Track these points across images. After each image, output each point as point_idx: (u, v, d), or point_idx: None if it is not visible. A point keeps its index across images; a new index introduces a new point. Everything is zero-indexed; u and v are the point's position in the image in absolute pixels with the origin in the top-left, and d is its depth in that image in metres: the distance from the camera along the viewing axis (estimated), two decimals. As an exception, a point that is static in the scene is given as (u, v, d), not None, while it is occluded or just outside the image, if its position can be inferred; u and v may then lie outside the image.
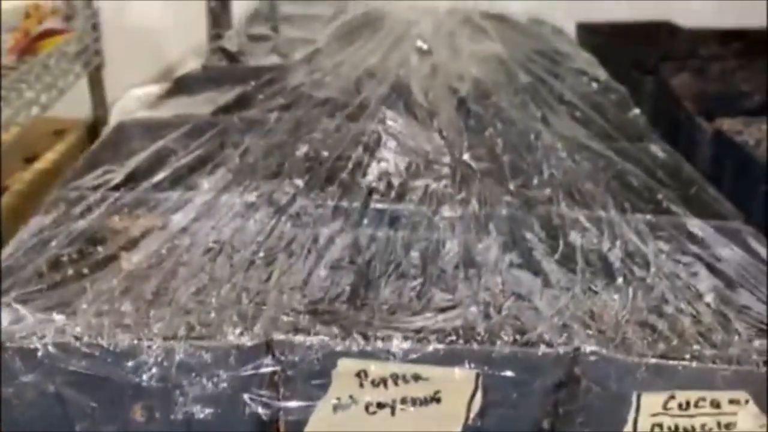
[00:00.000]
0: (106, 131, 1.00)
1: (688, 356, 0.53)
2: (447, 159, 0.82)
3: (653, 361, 0.53)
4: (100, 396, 0.54)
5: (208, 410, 0.53)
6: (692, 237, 0.69)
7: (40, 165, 1.32)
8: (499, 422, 0.56)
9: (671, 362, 0.53)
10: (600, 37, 1.48)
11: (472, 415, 0.55)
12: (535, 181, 0.77)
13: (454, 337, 0.54)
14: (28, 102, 1.19)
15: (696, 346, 0.54)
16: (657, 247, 0.66)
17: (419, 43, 1.19)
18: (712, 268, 0.65)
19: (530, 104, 0.98)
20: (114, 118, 1.30)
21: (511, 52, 1.19)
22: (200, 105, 0.94)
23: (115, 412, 0.55)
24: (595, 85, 1.10)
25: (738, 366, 0.53)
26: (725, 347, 0.55)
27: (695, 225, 0.70)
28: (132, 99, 1.26)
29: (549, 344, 0.53)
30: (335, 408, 0.55)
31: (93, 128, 1.49)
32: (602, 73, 1.17)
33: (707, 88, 1.24)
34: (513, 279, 0.61)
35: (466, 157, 0.82)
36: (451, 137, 0.87)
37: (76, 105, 1.49)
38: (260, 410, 0.53)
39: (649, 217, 0.71)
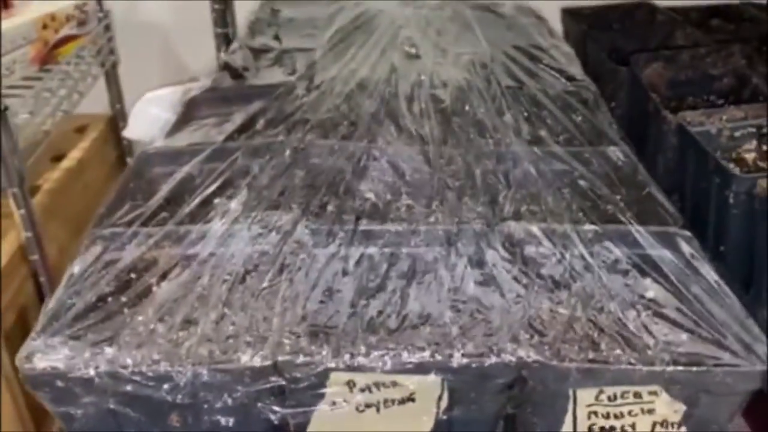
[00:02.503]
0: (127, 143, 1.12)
1: (611, 360, 0.67)
2: (427, 176, 0.94)
3: (583, 365, 0.66)
4: (144, 409, 0.68)
5: (230, 419, 0.67)
6: (634, 244, 0.82)
7: (67, 163, 1.44)
8: (463, 415, 0.70)
9: (597, 366, 0.66)
10: (583, 22, 1.57)
11: (441, 411, 0.69)
12: (502, 196, 0.90)
13: (423, 353, 0.67)
14: (53, 108, 1.30)
15: (618, 351, 0.67)
16: (600, 258, 0.79)
17: (407, 48, 1.30)
18: (647, 274, 0.78)
19: (506, 112, 1.10)
20: (132, 119, 1.42)
21: (493, 51, 1.30)
22: (211, 129, 1.07)
23: (156, 421, 0.69)
24: (569, 84, 1.21)
25: (651, 366, 0.66)
26: (644, 350, 0.68)
27: (637, 232, 0.82)
28: (146, 102, 1.38)
29: (497, 354, 0.66)
30: (331, 409, 0.69)
31: (112, 122, 1.61)
32: (577, 70, 1.27)
33: (679, 76, 1.34)
34: (474, 294, 0.74)
35: (443, 174, 0.94)
36: (431, 152, 0.99)
37: (94, 101, 1.59)
38: (271, 416, 0.67)
39: (597, 228, 0.83)
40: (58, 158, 1.46)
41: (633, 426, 0.69)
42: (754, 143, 1.15)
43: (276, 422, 0.68)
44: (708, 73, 1.34)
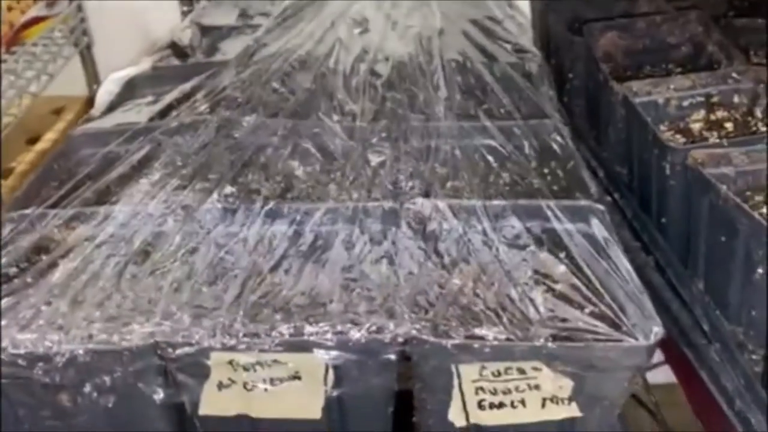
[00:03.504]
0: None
1: (490, 336, 0.66)
2: (349, 153, 0.93)
3: (460, 341, 0.65)
4: (32, 390, 0.68)
5: (112, 397, 0.67)
6: (542, 218, 0.80)
7: (42, 145, 1.44)
8: (352, 392, 0.69)
9: (475, 341, 0.65)
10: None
11: (329, 388, 0.69)
12: (421, 173, 0.88)
13: (302, 330, 0.67)
14: (19, 90, 1.29)
15: (499, 327, 0.66)
16: (502, 233, 0.77)
17: (356, 21, 1.28)
18: (548, 249, 0.77)
19: (442, 86, 1.08)
20: (98, 100, 1.42)
21: (444, 24, 1.28)
22: (144, 109, 1.07)
23: (47, 401, 0.69)
24: (514, 56, 1.19)
25: (529, 342, 0.65)
26: (525, 326, 0.67)
27: (548, 207, 0.81)
28: (112, 82, 1.37)
29: (377, 331, 0.66)
30: (219, 387, 0.69)
31: (90, 103, 1.61)
32: (527, 42, 1.25)
33: (636, 45, 1.31)
34: (367, 272, 0.73)
35: (366, 151, 0.93)
36: (358, 129, 0.98)
37: (72, 82, 1.59)
38: (154, 396, 0.67)
39: (505, 203, 0.81)
40: (33, 140, 1.46)
41: (522, 402, 0.68)
42: (702, 113, 1.12)
43: (158, 402, 0.68)
44: (665, 42, 1.31)
